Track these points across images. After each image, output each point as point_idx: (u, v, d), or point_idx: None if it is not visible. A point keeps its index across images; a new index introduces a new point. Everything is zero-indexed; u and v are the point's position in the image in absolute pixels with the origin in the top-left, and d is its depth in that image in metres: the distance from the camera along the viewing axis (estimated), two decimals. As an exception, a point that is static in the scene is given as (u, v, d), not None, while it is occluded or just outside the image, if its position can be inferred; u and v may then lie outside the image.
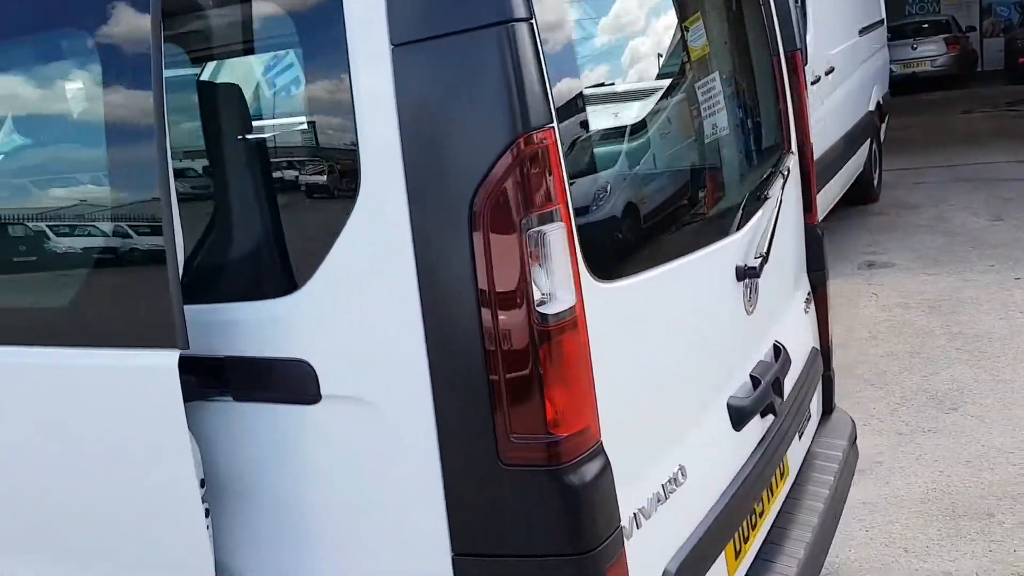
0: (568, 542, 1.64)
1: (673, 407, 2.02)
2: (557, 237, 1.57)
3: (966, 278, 6.41)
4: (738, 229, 2.40)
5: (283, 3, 1.73)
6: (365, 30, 1.56)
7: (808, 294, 3.10)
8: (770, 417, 2.46)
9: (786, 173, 2.73)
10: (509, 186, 1.52)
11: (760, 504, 2.51)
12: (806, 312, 3.03)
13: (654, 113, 2.17)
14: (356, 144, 1.61)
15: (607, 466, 1.68)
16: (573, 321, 1.61)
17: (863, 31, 8.16)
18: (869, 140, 8.42)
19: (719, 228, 2.31)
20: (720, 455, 2.23)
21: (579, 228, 1.69)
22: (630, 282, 1.85)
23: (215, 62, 1.91)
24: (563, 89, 1.75)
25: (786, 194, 2.93)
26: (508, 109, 1.50)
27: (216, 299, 1.83)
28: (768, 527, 2.56)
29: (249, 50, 1.81)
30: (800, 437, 2.91)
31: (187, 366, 1.78)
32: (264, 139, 1.77)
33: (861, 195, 8.69)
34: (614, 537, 1.69)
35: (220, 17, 1.83)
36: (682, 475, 2.02)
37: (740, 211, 2.44)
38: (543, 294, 1.57)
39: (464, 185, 1.53)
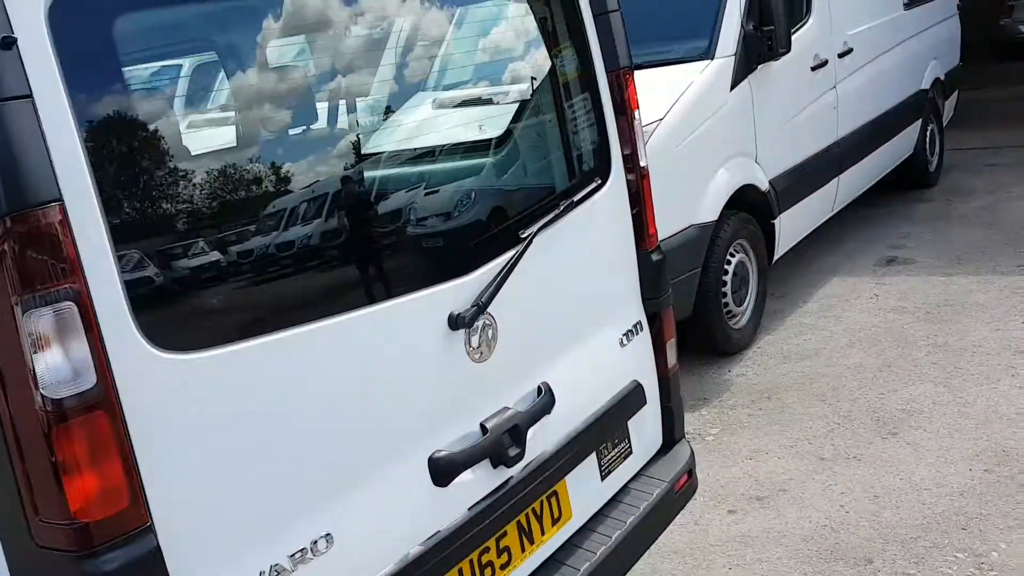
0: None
1: (309, 474, 1.94)
2: (67, 318, 1.53)
3: (984, 280, 5.92)
4: (466, 273, 2.28)
5: None
6: None
7: (636, 325, 2.92)
8: (503, 468, 2.35)
9: (562, 207, 2.56)
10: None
11: (505, 555, 2.42)
12: (624, 344, 2.86)
13: (304, 164, 2.06)
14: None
15: (154, 549, 1.65)
16: (99, 402, 1.58)
17: (911, 4, 7.56)
18: (921, 121, 7.85)
19: (419, 277, 2.20)
20: (408, 514, 2.15)
21: (140, 299, 1.65)
22: (233, 349, 1.79)
23: None
24: (122, 149, 1.69)
25: (597, 224, 2.78)
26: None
27: None
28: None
29: None
30: (604, 476, 2.78)
31: None
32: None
33: (914, 180, 8.13)
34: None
35: None
36: (327, 543, 1.95)
37: (469, 254, 2.32)
38: (59, 376, 1.53)
39: (-41, 268, 1.51)
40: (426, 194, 2.35)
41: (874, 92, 6.81)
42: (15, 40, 1.49)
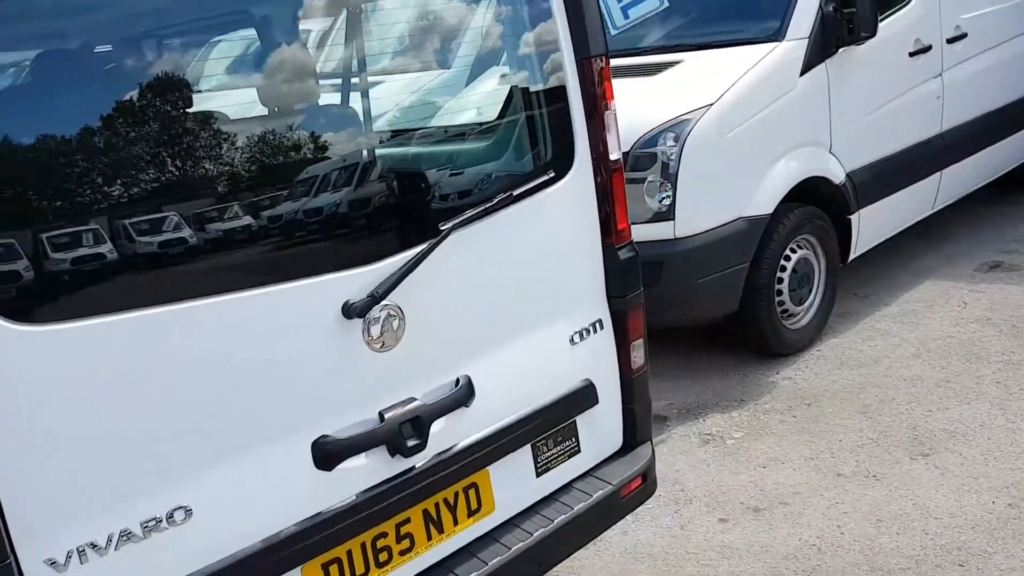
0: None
1: (165, 448, 2.01)
2: None
3: (1091, 294, 5.40)
4: (371, 262, 2.29)
5: None
6: None
7: (594, 323, 2.86)
8: (401, 457, 2.36)
9: (496, 200, 2.52)
10: None
11: (407, 541, 2.45)
12: (576, 342, 2.81)
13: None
14: None
15: None
16: None
17: (1059, -14, 6.88)
18: (1059, 114, 7.16)
19: (314, 263, 2.22)
20: (284, 494, 2.20)
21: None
22: (80, 325, 1.87)
23: None
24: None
25: (550, 218, 2.73)
26: None
27: None
28: (429, 564, 2.49)
29: None
30: (540, 473, 2.76)
31: None
32: None
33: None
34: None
35: None
36: (184, 514, 2.03)
37: (379, 243, 2.33)
38: None
39: None
40: (342, 178, 2.36)
41: (994, 81, 6.26)
42: None
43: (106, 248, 1.95)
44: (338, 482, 2.29)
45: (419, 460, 2.42)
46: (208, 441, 2.09)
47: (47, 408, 1.85)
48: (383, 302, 2.28)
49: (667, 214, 4.40)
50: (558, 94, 2.74)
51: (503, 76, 2.74)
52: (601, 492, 2.83)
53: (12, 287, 1.82)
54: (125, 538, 1.96)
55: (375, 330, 2.31)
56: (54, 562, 1.88)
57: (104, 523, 1.94)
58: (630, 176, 4.27)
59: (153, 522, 2.00)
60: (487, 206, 2.51)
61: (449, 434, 2.49)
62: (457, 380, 2.51)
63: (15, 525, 1.82)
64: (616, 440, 2.99)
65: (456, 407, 2.49)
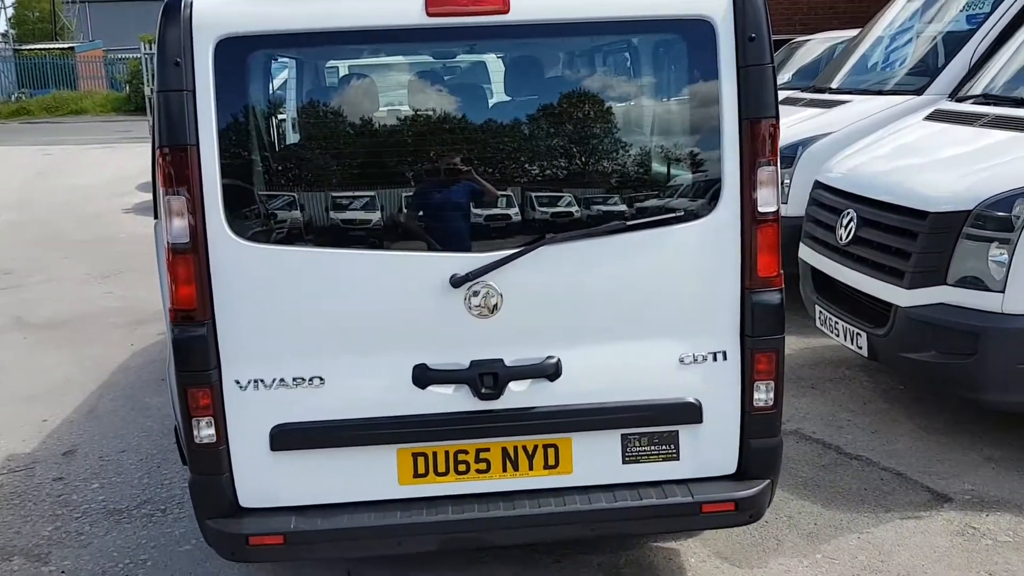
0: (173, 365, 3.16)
1: (319, 338, 3.10)
2: (175, 204, 3.00)
3: None
4: (474, 251, 3.10)
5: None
6: None
7: (715, 353, 3.19)
8: (482, 399, 3.13)
9: (617, 225, 3.11)
10: (158, 171, 3.05)
11: (484, 464, 3.22)
12: (685, 363, 3.18)
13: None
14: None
15: (204, 335, 3.06)
16: (184, 249, 3.00)
17: None
18: None
19: (426, 243, 3.16)
20: (388, 393, 3.15)
21: (235, 209, 3.05)
22: (278, 248, 3.08)
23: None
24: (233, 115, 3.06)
25: (673, 251, 3.16)
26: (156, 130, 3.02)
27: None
28: (500, 490, 3.23)
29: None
30: (627, 461, 3.24)
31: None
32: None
33: None
34: (201, 371, 3.07)
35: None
36: (320, 382, 3.13)
37: (480, 237, 3.17)
38: (174, 236, 3.04)
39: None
40: (471, 194, 3.15)
41: None
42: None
43: (308, 208, 3.15)
44: (428, 398, 3.14)
45: (498, 406, 3.14)
46: (343, 341, 3.13)
47: (251, 291, 3.09)
48: (479, 280, 3.05)
49: (996, 284, 3.99)
50: (710, 148, 3.09)
51: (662, 126, 3.19)
52: (678, 499, 3.18)
53: (244, 225, 3.06)
54: (280, 383, 3.13)
55: (475, 300, 3.08)
56: (238, 382, 3.12)
57: (269, 371, 3.12)
58: (969, 232, 4.04)
59: (300, 379, 3.13)
60: (588, 231, 3.09)
61: (528, 396, 3.15)
62: (548, 358, 3.15)
63: (223, 354, 3.10)
64: (727, 465, 3.26)
65: (538, 376, 3.13)
